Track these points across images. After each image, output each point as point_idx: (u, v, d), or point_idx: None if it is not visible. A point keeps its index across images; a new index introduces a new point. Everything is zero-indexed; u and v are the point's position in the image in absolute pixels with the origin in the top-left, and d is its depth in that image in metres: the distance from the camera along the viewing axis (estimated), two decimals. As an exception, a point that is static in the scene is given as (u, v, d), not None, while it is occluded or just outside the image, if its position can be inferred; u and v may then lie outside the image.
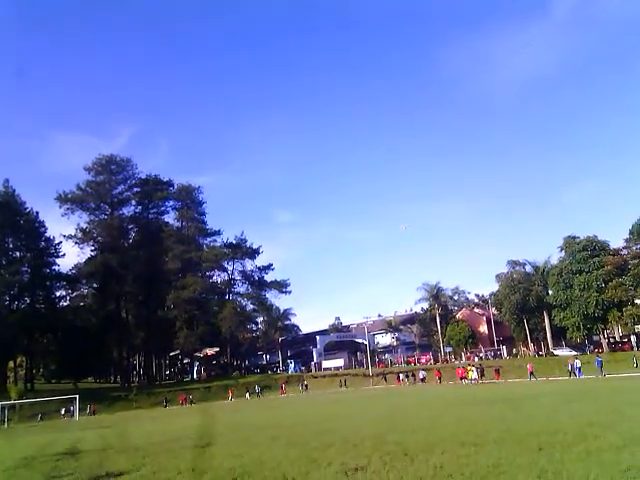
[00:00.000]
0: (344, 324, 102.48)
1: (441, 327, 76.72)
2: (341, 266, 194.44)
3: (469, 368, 49.35)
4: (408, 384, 57.18)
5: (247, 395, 62.22)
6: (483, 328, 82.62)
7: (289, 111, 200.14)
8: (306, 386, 64.68)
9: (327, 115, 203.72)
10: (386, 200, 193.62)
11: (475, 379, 46.74)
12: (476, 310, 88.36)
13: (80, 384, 75.91)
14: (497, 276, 72.94)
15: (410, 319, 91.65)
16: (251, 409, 39.20)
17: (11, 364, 77.08)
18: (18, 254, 77.35)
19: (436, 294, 79.55)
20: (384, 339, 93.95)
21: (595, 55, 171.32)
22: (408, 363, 73.41)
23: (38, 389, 72.93)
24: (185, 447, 15.28)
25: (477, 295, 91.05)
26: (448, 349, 75.65)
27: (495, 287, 75.40)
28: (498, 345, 74.01)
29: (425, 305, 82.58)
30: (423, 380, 55.46)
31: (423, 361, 72.66)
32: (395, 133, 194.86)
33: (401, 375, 60.95)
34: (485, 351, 71.23)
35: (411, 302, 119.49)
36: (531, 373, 45.21)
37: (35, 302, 78.02)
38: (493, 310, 78.36)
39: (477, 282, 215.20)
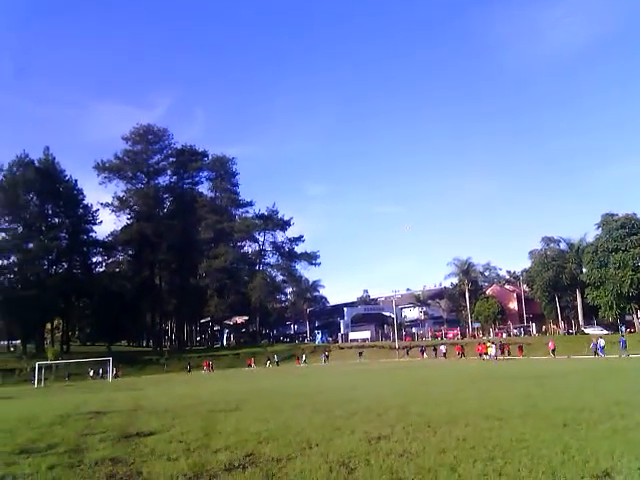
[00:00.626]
0: (372, 297, 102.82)
1: (470, 302, 76.19)
2: (370, 240, 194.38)
3: (488, 344, 49.46)
4: (428, 358, 57.67)
5: (267, 364, 63.51)
6: (513, 305, 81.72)
7: (323, 83, 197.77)
8: (327, 357, 65.77)
9: (360, 87, 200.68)
10: (416, 174, 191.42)
11: (494, 355, 46.72)
12: (507, 286, 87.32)
13: (114, 347, 78.47)
14: (530, 253, 71.82)
15: (439, 294, 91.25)
16: (275, 377, 39.86)
17: (48, 326, 80.00)
18: (57, 220, 79.53)
19: (466, 269, 78.84)
20: (412, 313, 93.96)
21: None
22: (435, 337, 73.33)
23: (73, 351, 75.55)
24: (213, 410, 15.70)
25: (508, 272, 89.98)
26: (476, 325, 75.19)
27: (527, 264, 74.42)
28: (528, 322, 73.18)
29: (455, 280, 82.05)
30: (445, 355, 55.79)
31: (450, 336, 72.44)
32: (428, 105, 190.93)
33: (424, 349, 61.38)
34: (514, 327, 70.55)
35: (440, 277, 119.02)
36: (552, 350, 45.02)
37: (72, 267, 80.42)
38: (524, 287, 77.33)
39: (509, 259, 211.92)
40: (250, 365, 63.56)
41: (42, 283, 71.04)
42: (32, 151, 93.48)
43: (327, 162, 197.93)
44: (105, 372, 57.85)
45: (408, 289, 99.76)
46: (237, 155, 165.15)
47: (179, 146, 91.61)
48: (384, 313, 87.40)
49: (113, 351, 70.87)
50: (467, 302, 76.47)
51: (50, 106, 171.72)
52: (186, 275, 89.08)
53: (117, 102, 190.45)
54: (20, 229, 74.76)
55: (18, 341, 76.47)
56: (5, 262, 74.27)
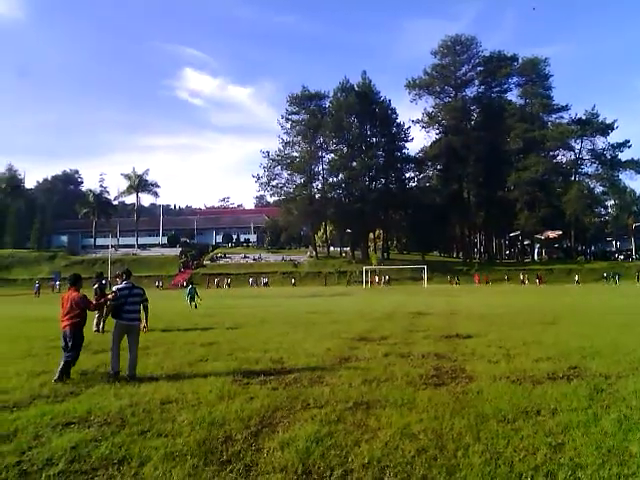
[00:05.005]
0: None
1: None
2: None
3: None
4: None
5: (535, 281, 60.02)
6: None
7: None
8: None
9: None
10: None
11: None
12: None
13: (427, 257, 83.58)
14: None
15: None
16: (592, 294, 36.43)
17: (371, 236, 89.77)
18: (374, 140, 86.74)
19: None
20: None
21: None
22: None
23: (392, 258, 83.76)
24: (529, 322, 15.72)
25: None
26: None
27: None
28: None
29: None
30: None
31: None
32: None
33: None
34: None
35: None
36: None
37: (389, 182, 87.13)
38: None
39: None
40: (479, 282, 63.29)
41: (364, 197, 79.60)
42: (352, 76, 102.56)
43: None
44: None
45: None
46: (551, 56, 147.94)
47: (487, 53, 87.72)
48: None
49: (426, 260, 75.86)
50: None
51: (363, 31, 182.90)
52: (494, 188, 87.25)
53: (425, 17, 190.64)
54: (345, 149, 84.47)
55: (348, 248, 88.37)
56: (335, 179, 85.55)
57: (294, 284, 66.32)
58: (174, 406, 6.23)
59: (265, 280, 68.02)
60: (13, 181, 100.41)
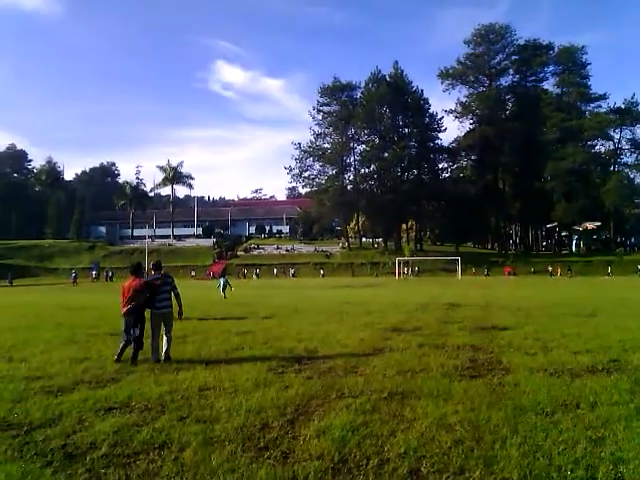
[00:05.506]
0: None
1: None
2: None
3: None
4: None
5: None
6: None
7: None
8: None
9: None
10: None
11: None
12: None
13: (461, 248, 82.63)
14: None
15: None
16: (625, 286, 35.19)
17: (404, 227, 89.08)
18: (406, 130, 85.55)
19: None
20: None
21: None
22: None
23: (426, 249, 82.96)
24: (566, 314, 15.40)
25: None
26: None
27: None
28: None
29: None
30: None
31: None
32: None
33: None
34: None
35: None
36: None
37: (421, 173, 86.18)
38: None
39: None
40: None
41: (397, 188, 78.90)
42: (383, 67, 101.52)
43: None
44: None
45: None
46: (588, 43, 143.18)
47: (522, 42, 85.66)
48: None
49: (460, 251, 74.93)
50: None
51: (398, 21, 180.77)
52: (530, 178, 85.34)
53: (458, 6, 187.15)
54: (377, 140, 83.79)
55: (380, 239, 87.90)
56: (367, 170, 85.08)
57: (323, 275, 66.33)
58: (212, 393, 6.35)
59: (292, 271, 68.29)
60: (53, 173, 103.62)
